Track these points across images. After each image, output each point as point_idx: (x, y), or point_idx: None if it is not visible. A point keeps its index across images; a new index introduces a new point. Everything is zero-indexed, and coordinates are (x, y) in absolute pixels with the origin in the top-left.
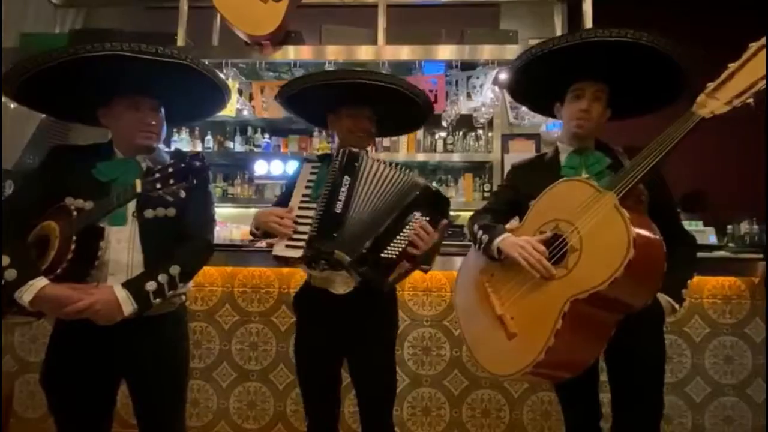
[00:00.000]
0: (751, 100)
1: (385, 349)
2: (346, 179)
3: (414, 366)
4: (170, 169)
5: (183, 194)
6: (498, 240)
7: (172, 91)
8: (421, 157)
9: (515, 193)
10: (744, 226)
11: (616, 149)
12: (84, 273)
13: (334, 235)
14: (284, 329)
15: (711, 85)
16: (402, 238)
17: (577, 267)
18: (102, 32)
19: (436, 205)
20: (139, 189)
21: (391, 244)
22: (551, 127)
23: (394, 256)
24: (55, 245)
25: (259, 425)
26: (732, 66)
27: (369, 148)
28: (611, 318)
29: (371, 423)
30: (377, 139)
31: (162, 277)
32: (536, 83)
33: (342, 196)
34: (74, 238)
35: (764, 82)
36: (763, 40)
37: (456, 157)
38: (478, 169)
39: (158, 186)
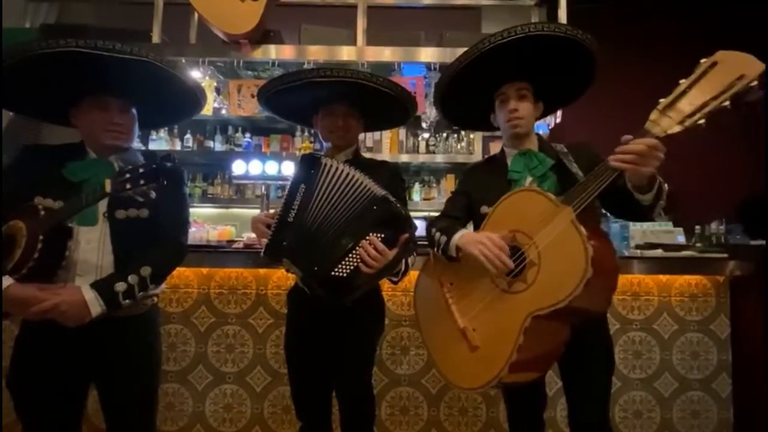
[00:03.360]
0: (702, 122)
1: (364, 350)
2: (302, 187)
3: (392, 366)
4: (141, 170)
5: (153, 195)
6: (456, 237)
7: (143, 92)
8: (404, 158)
9: (468, 199)
10: (714, 227)
11: (558, 148)
12: (51, 273)
13: (284, 243)
14: (261, 331)
15: (663, 102)
16: (354, 255)
17: (537, 282)
18: (74, 28)
19: (393, 220)
20: (108, 189)
21: (343, 262)
22: None
23: (344, 275)
24: (21, 244)
25: (236, 428)
26: (683, 83)
27: (353, 147)
28: (569, 323)
29: (351, 424)
30: (361, 139)
31: (132, 278)
32: (464, 105)
33: (296, 205)
34: (41, 237)
35: (716, 102)
36: (714, 57)
37: (438, 158)
38: (460, 170)
39: (128, 186)
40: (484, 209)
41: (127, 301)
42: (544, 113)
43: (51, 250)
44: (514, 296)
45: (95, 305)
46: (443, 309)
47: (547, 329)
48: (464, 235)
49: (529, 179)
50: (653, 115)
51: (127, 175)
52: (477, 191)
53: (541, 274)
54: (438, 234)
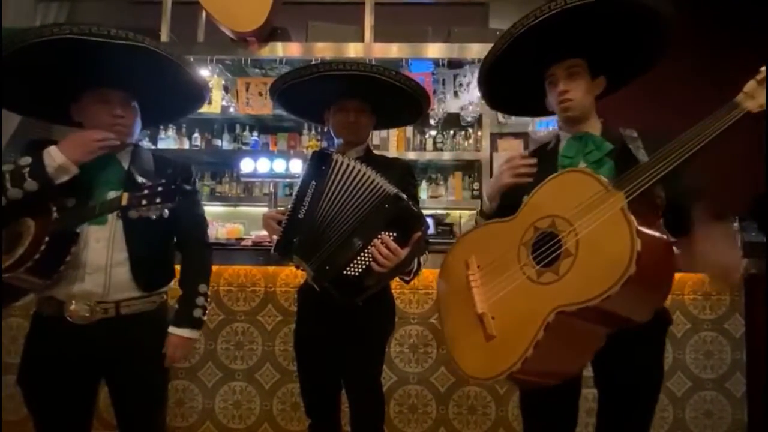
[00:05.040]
0: None
1: (374, 349)
2: (313, 184)
3: (401, 364)
4: (160, 188)
5: (167, 213)
6: (485, 194)
7: (144, 83)
8: (411, 155)
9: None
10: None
11: (626, 133)
12: (48, 275)
13: (294, 240)
14: (270, 328)
15: (764, 71)
16: (366, 254)
17: (569, 275)
18: None
19: (405, 219)
20: (124, 202)
21: (354, 261)
22: (540, 126)
23: (356, 274)
24: (25, 243)
25: (246, 425)
26: None
27: (365, 143)
28: (602, 330)
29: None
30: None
31: (199, 300)
32: (514, 89)
33: (306, 202)
34: (46, 239)
35: None
36: None
37: (446, 156)
38: (468, 167)
39: (143, 202)
40: (526, 199)
41: (204, 317)
42: (612, 87)
43: (53, 253)
44: (541, 287)
45: (191, 334)
46: (464, 291)
47: (573, 330)
48: (488, 185)
49: (582, 165)
50: (748, 87)
51: (146, 191)
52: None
53: (575, 266)
54: (478, 217)
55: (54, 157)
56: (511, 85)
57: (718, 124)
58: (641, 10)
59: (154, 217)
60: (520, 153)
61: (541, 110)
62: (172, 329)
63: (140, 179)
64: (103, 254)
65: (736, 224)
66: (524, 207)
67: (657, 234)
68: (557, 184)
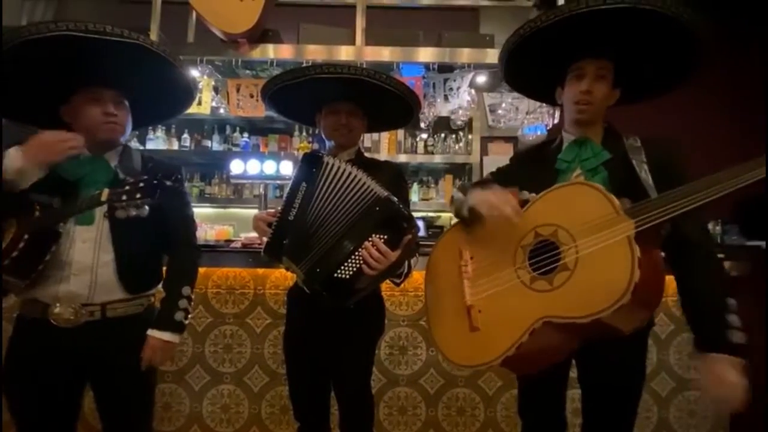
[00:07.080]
0: None
1: (363, 351)
2: (303, 186)
3: (390, 366)
4: (140, 184)
5: (147, 210)
6: (470, 197)
7: (135, 81)
8: (402, 158)
9: (504, 181)
10: (710, 227)
11: (629, 141)
12: (27, 274)
13: (284, 242)
14: (259, 331)
15: None
16: (356, 257)
17: (563, 288)
18: None
19: (396, 222)
20: (104, 198)
21: (345, 264)
22: (528, 131)
23: (346, 277)
24: (5, 242)
25: (234, 429)
26: None
27: (356, 146)
28: (583, 336)
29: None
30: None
31: (182, 303)
32: (532, 67)
33: (296, 204)
34: (26, 237)
35: None
36: None
37: (437, 159)
38: (459, 170)
39: (124, 197)
40: (524, 194)
41: (186, 320)
42: (621, 103)
43: (32, 251)
44: (532, 293)
45: (171, 338)
46: (454, 279)
47: (553, 336)
48: (476, 193)
49: (578, 171)
50: None
51: (126, 187)
52: (518, 177)
53: (571, 281)
54: (457, 193)
55: (13, 159)
56: (534, 64)
57: (748, 176)
58: (679, 29)
59: (135, 213)
60: (505, 197)
61: (548, 98)
62: (151, 331)
63: (125, 178)
64: (89, 255)
65: (718, 227)
66: (529, 208)
67: (655, 264)
68: (568, 193)
